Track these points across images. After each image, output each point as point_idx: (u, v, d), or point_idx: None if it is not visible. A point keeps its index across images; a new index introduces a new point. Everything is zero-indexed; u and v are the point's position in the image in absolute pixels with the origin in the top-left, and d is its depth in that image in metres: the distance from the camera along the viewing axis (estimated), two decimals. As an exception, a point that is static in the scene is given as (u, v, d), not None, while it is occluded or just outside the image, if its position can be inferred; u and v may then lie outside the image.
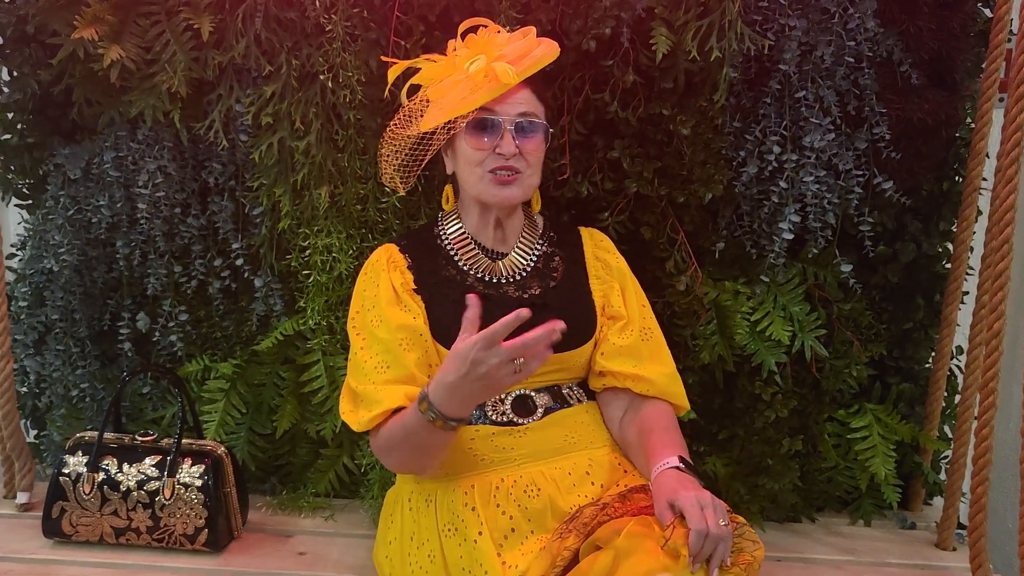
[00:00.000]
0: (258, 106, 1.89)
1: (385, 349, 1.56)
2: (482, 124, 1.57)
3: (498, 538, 1.51)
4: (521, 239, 1.69)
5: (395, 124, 1.63)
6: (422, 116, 1.59)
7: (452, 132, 1.59)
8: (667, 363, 1.68)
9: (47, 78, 1.97)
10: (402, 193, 1.70)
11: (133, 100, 1.91)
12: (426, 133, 1.59)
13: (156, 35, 1.86)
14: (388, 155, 1.65)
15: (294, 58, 1.86)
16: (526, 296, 1.63)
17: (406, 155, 1.63)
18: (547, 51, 1.59)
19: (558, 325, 1.33)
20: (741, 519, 1.45)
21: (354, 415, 1.57)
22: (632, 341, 1.65)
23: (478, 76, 1.54)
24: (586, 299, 1.67)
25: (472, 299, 1.37)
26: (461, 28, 1.61)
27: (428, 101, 1.60)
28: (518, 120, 1.57)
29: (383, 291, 1.61)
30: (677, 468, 1.45)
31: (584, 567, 1.38)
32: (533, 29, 1.62)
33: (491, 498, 1.55)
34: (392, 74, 1.64)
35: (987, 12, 1.91)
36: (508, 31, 1.64)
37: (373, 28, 1.82)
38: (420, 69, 1.63)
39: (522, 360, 1.34)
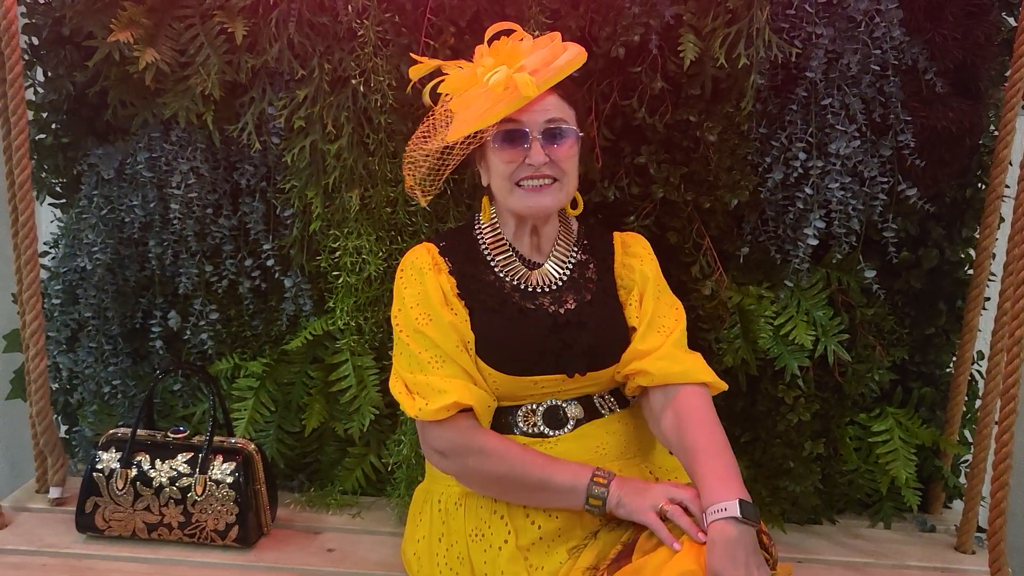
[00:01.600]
0: (290, 109, 1.91)
1: (435, 345, 1.56)
2: (509, 136, 1.55)
3: (525, 546, 1.53)
4: (556, 248, 1.67)
5: (418, 135, 1.62)
6: (445, 128, 1.57)
7: (472, 146, 1.57)
8: (664, 344, 1.61)
9: (82, 79, 1.99)
10: (423, 205, 1.69)
11: (167, 102, 1.93)
12: (448, 146, 1.57)
13: (190, 38, 1.88)
14: (410, 165, 1.63)
15: (326, 62, 1.87)
16: (562, 311, 1.62)
17: (428, 167, 1.61)
18: (570, 59, 1.55)
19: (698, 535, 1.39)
20: (774, 556, 1.45)
21: (410, 400, 1.56)
22: (635, 343, 1.63)
23: (498, 89, 1.50)
24: (618, 315, 1.66)
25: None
26: (488, 34, 1.59)
27: (451, 112, 1.57)
28: (546, 127, 1.55)
29: (432, 290, 1.59)
30: (736, 520, 1.37)
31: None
32: (558, 35, 1.60)
33: (520, 507, 1.56)
34: (415, 74, 1.62)
35: (1011, 21, 1.91)
36: (537, 35, 1.65)
37: (404, 33, 1.84)
38: (445, 75, 1.60)
39: None
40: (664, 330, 1.64)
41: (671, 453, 1.63)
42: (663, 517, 1.43)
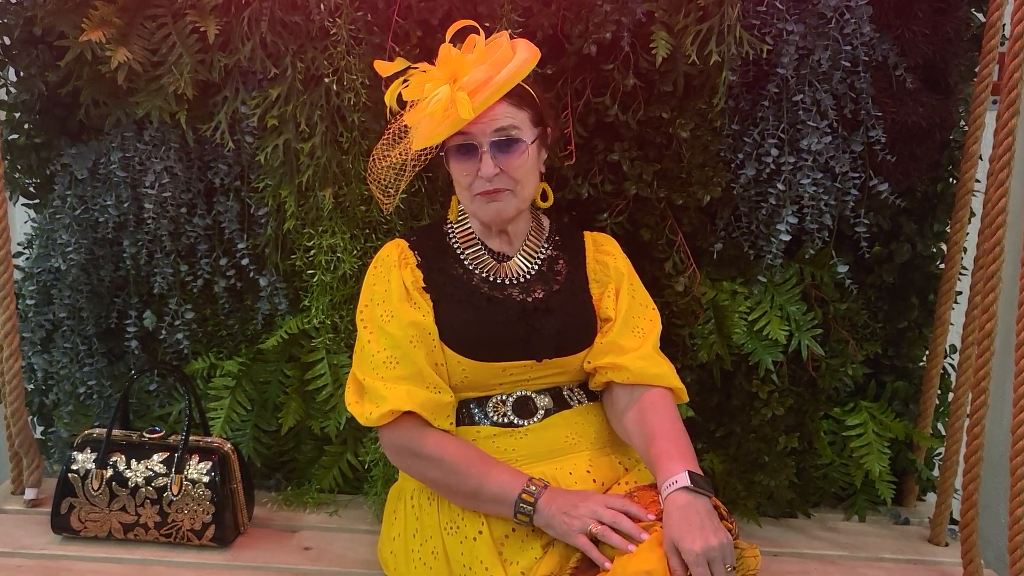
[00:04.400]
0: (264, 108, 1.90)
1: (394, 344, 1.57)
2: (460, 150, 1.57)
3: (499, 537, 1.54)
4: (527, 242, 1.69)
5: (379, 147, 1.64)
6: (399, 141, 1.60)
7: (425, 161, 1.61)
8: (647, 343, 1.65)
9: (54, 79, 1.97)
10: (389, 212, 1.71)
11: (140, 101, 1.92)
12: (404, 159, 1.60)
13: (163, 38, 1.87)
14: (373, 175, 1.66)
15: (299, 61, 1.87)
16: (530, 300, 1.64)
17: (392, 176, 1.64)
18: (512, 73, 1.53)
19: (641, 536, 1.41)
20: (734, 529, 1.46)
21: (360, 407, 1.59)
22: (613, 336, 1.65)
23: (437, 113, 1.50)
24: (587, 304, 1.69)
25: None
26: (449, 33, 1.57)
27: (407, 126, 1.60)
28: (494, 139, 1.55)
29: (395, 287, 1.61)
30: (687, 488, 1.42)
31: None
32: (504, 39, 1.57)
33: None
34: (384, 71, 1.61)
35: (980, 17, 1.92)
36: (510, 35, 1.62)
37: (377, 32, 1.84)
38: (409, 79, 1.58)
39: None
40: (640, 331, 1.67)
41: (632, 446, 1.64)
42: (594, 540, 1.45)
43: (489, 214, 1.61)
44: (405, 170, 1.63)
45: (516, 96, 1.57)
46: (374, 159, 1.65)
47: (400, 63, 1.60)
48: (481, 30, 1.57)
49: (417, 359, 1.57)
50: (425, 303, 1.62)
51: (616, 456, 1.66)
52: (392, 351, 1.58)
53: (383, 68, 1.62)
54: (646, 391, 1.61)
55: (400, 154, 1.62)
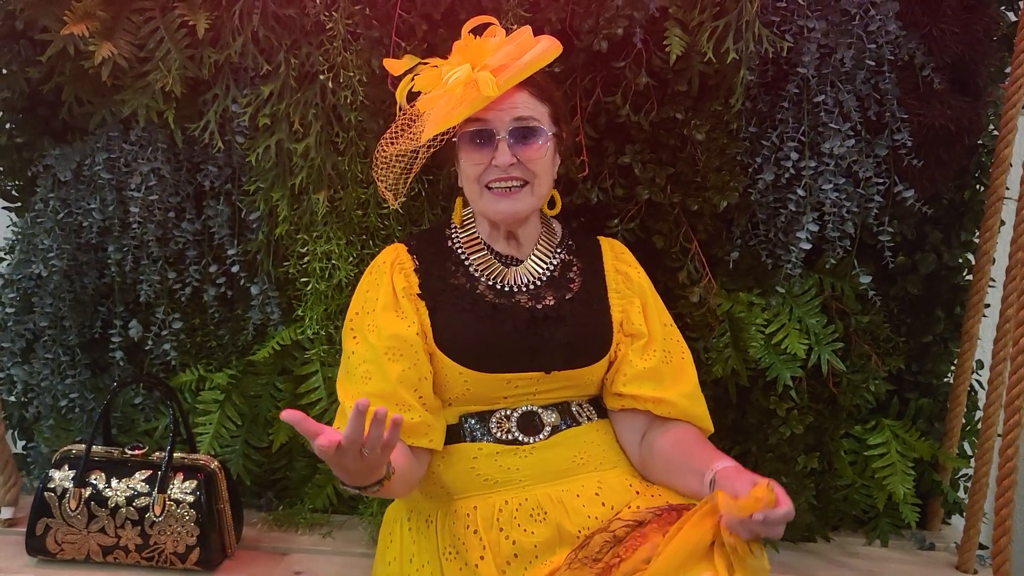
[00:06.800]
0: (255, 107, 1.84)
1: (374, 357, 1.51)
2: (475, 136, 1.51)
3: (501, 564, 1.46)
4: (538, 246, 1.62)
5: (386, 137, 1.57)
6: (409, 129, 1.53)
7: (432, 149, 1.52)
8: (689, 382, 1.62)
9: (36, 76, 1.91)
10: (395, 207, 1.63)
11: (126, 99, 1.87)
12: (415, 148, 1.53)
13: (150, 32, 1.82)
14: (380, 168, 1.58)
15: (293, 57, 1.81)
16: (539, 306, 1.57)
17: (401, 168, 1.57)
18: (537, 55, 1.50)
19: (396, 418, 1.23)
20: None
21: (338, 424, 1.53)
22: (654, 363, 1.59)
23: (457, 89, 1.46)
24: (603, 314, 1.61)
25: (356, 408, 1.21)
26: (465, 28, 1.54)
27: (418, 113, 1.53)
28: (513, 127, 1.50)
29: (382, 294, 1.55)
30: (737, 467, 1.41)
31: None
32: (528, 29, 1.54)
33: (494, 521, 1.50)
34: (394, 68, 1.57)
35: (1011, 16, 1.87)
36: (514, 29, 1.58)
37: (375, 26, 1.77)
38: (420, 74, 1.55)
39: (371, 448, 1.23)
40: (678, 365, 1.63)
41: (654, 470, 1.57)
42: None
43: (501, 212, 1.54)
44: (416, 160, 1.55)
45: (538, 87, 1.53)
46: (381, 147, 1.57)
47: (410, 60, 1.56)
48: (497, 24, 1.54)
49: (390, 376, 1.49)
50: (413, 312, 1.54)
51: (627, 478, 1.58)
52: (369, 364, 1.51)
53: (393, 66, 1.57)
54: (682, 425, 1.58)
55: (410, 139, 1.53)
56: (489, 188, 1.52)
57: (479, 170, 1.52)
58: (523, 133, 1.50)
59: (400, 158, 1.55)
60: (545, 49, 1.51)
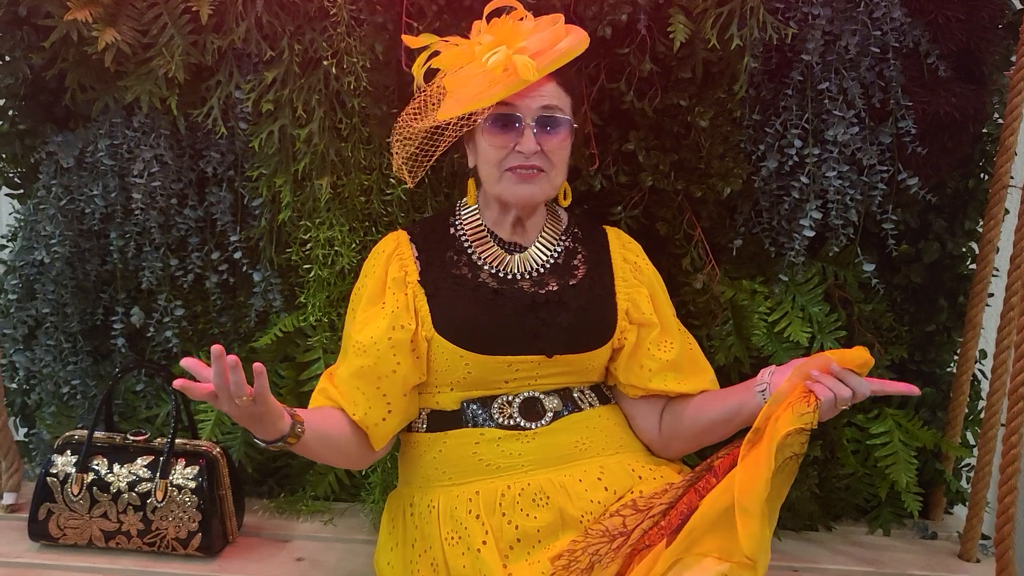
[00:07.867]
0: (258, 93, 1.83)
1: (347, 343, 1.58)
2: (501, 120, 1.50)
3: (504, 548, 1.46)
4: (543, 234, 1.63)
5: (409, 112, 1.56)
6: (437, 105, 1.52)
7: (465, 128, 1.52)
8: (708, 369, 1.66)
9: (39, 62, 1.91)
10: (410, 186, 1.62)
11: (128, 86, 1.86)
12: (439, 126, 1.52)
13: (153, 18, 1.80)
14: (399, 143, 1.57)
15: (296, 43, 1.80)
16: (542, 292, 1.56)
17: (417, 146, 1.56)
18: (573, 45, 1.51)
19: (257, 367, 1.29)
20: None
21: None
22: (675, 355, 1.60)
23: (497, 70, 1.45)
24: (608, 301, 1.61)
25: (215, 353, 1.29)
26: (487, 10, 1.53)
27: (444, 90, 1.52)
28: (540, 115, 1.50)
29: (370, 283, 1.58)
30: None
31: None
32: (561, 17, 1.55)
33: (496, 506, 1.49)
34: (412, 43, 1.57)
35: (1017, 3, 1.86)
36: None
37: (380, 11, 1.76)
38: (438, 52, 1.55)
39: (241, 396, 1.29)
40: (701, 359, 1.67)
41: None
42: None
43: (519, 196, 1.54)
44: (436, 141, 1.54)
45: (565, 78, 1.54)
46: (404, 122, 1.57)
47: (428, 37, 1.56)
48: (521, 7, 1.54)
49: (352, 366, 1.54)
50: (396, 303, 1.55)
51: (629, 463, 1.57)
52: (344, 346, 1.59)
53: (412, 41, 1.57)
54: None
55: (432, 121, 1.52)
56: (508, 172, 1.52)
57: (501, 154, 1.51)
58: (548, 122, 1.51)
59: (418, 135, 1.55)
60: (580, 40, 1.52)
